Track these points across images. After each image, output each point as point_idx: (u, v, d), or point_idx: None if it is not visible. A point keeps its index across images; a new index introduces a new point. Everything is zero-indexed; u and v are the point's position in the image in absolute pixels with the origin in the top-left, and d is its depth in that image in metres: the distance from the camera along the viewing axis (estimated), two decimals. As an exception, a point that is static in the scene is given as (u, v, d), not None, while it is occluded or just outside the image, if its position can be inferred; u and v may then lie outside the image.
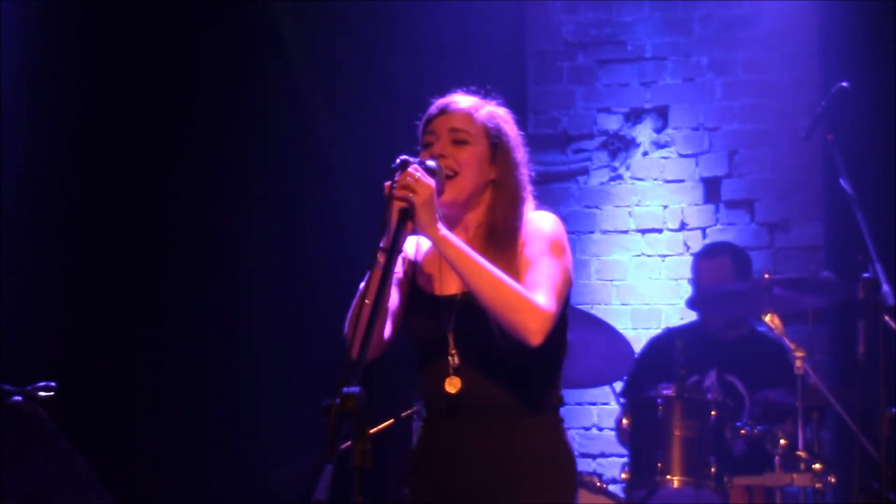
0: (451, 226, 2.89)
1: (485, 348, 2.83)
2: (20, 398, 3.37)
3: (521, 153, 2.99)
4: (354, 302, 2.79)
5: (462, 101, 2.98)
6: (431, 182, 2.75)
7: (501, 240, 2.87)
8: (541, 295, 2.74)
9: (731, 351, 5.09)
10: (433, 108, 2.97)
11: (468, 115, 2.94)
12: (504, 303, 2.73)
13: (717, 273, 5.20)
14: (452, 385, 2.84)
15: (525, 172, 2.98)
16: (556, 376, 2.94)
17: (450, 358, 2.84)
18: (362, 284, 2.77)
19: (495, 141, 2.94)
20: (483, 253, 2.81)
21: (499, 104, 3.02)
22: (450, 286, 2.90)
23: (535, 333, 2.72)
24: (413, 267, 2.98)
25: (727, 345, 5.12)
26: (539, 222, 2.91)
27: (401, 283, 2.94)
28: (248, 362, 5.27)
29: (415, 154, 2.88)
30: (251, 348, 5.27)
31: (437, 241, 2.76)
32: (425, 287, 2.93)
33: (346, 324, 2.85)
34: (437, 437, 2.93)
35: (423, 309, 2.90)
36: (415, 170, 2.73)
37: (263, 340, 5.27)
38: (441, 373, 2.86)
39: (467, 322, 2.84)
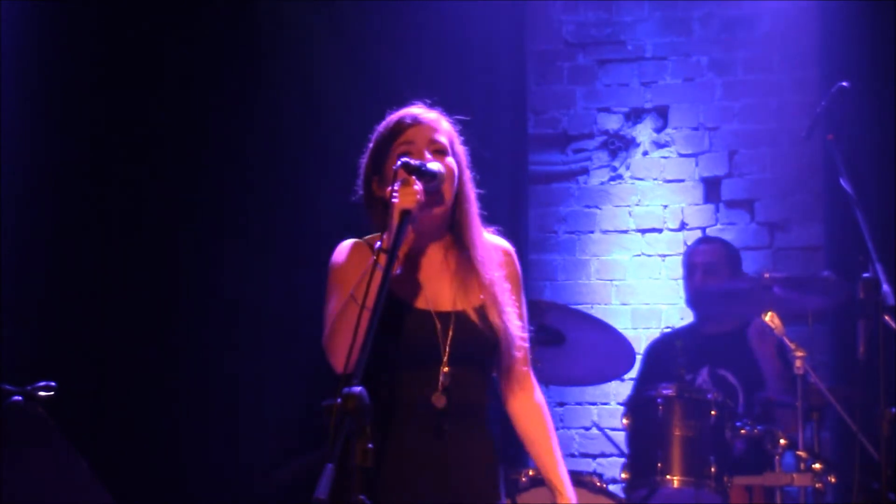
0: (424, 240, 2.92)
1: (473, 363, 2.90)
2: (20, 398, 3.36)
3: (468, 168, 3.01)
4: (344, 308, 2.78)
5: (427, 112, 2.99)
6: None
7: (474, 259, 2.94)
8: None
9: (721, 346, 5.11)
10: (405, 118, 2.96)
11: (441, 125, 2.96)
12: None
13: (709, 255, 5.22)
14: (439, 399, 2.85)
15: (473, 188, 3.02)
16: None
17: (442, 374, 2.85)
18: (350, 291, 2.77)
19: (457, 157, 2.97)
20: (462, 272, 2.92)
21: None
22: (443, 302, 2.92)
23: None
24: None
25: (718, 340, 5.13)
26: (514, 261, 3.05)
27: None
28: (249, 361, 5.26)
29: None
30: (252, 348, 5.27)
31: None
32: (412, 301, 2.90)
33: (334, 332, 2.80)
34: (418, 449, 2.86)
35: (414, 323, 2.87)
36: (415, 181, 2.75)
37: (265, 340, 5.27)
38: (427, 387, 2.85)
39: (463, 337, 2.88)
